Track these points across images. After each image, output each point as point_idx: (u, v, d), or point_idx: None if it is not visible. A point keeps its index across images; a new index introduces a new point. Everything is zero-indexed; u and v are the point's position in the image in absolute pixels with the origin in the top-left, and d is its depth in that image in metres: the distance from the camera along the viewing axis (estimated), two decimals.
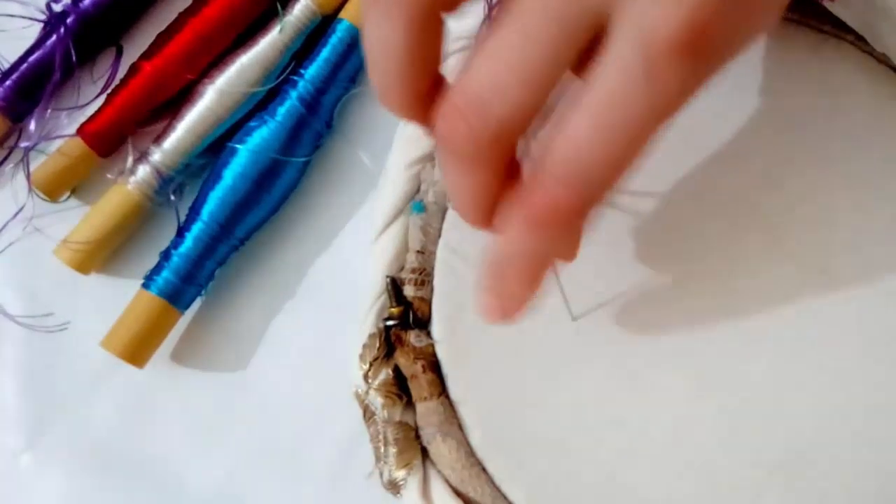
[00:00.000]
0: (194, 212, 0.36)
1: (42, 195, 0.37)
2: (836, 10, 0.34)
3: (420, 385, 0.33)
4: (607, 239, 0.34)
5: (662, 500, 0.31)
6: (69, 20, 0.38)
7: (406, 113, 0.24)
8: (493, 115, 0.21)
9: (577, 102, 0.20)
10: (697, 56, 0.20)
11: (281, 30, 0.37)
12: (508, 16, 0.20)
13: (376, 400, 0.33)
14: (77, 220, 0.36)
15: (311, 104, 0.37)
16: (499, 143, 0.21)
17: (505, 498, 0.32)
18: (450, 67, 0.35)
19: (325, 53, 0.37)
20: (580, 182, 0.21)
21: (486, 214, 0.24)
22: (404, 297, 0.34)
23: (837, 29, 0.34)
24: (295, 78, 0.37)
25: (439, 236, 0.34)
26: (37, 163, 0.37)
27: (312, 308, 0.37)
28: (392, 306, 0.34)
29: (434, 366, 0.33)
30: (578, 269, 0.33)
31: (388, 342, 0.33)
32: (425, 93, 0.23)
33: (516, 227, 0.22)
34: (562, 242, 0.23)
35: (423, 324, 0.34)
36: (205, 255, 0.36)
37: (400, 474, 0.32)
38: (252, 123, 0.37)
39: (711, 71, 0.21)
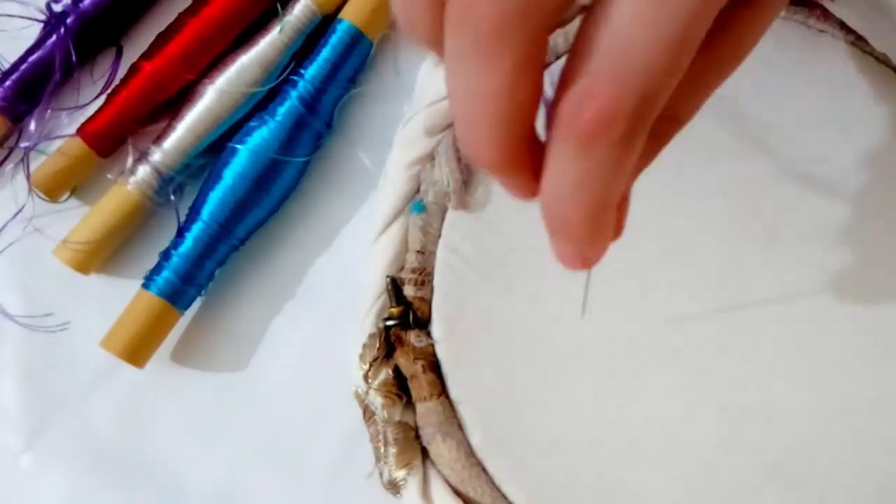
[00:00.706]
0: (194, 212, 0.36)
1: (42, 195, 0.37)
2: (837, 10, 0.34)
3: (420, 385, 0.33)
4: None
5: (662, 500, 0.31)
6: (69, 20, 0.38)
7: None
8: None
9: None
10: None
11: (281, 30, 0.37)
12: None
13: (376, 400, 0.33)
14: (77, 220, 0.36)
15: (311, 104, 0.37)
16: (526, 22, 0.17)
17: (505, 498, 0.32)
18: None
19: (325, 53, 0.37)
20: (632, 78, 0.17)
21: (511, 139, 0.19)
22: (404, 297, 0.34)
23: (837, 29, 0.34)
24: (295, 78, 0.37)
25: (439, 236, 0.34)
26: (37, 163, 0.37)
27: (312, 308, 0.37)
28: (392, 306, 0.34)
29: (434, 366, 0.33)
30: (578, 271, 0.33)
31: (388, 342, 0.33)
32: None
33: (559, 152, 0.18)
34: (619, 166, 0.18)
35: (423, 324, 0.34)
36: (205, 255, 0.36)
37: (400, 474, 0.32)
38: (252, 123, 0.37)
39: None
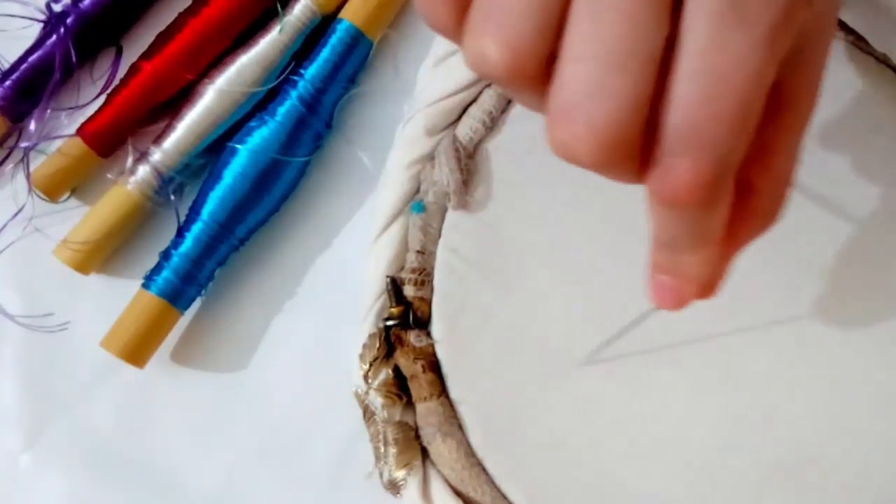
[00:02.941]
0: (194, 212, 0.36)
1: (42, 195, 0.37)
2: None
3: (420, 385, 0.33)
4: (607, 239, 0.34)
5: (662, 500, 0.31)
6: (69, 20, 0.38)
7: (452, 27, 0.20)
8: None
9: (670, 65, 0.18)
10: None
11: (281, 30, 0.37)
12: None
13: (376, 400, 0.33)
14: (77, 220, 0.36)
15: (311, 104, 0.37)
16: None
17: (505, 498, 0.32)
18: (450, 67, 0.35)
19: (325, 53, 0.37)
20: (702, 151, 0.18)
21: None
22: (404, 297, 0.34)
23: (838, 29, 0.34)
24: (295, 78, 0.37)
25: (439, 236, 0.34)
26: (37, 163, 0.37)
27: (312, 308, 0.37)
28: (392, 306, 0.34)
29: (434, 366, 0.33)
30: (577, 269, 0.33)
31: (388, 342, 0.33)
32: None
33: (654, 211, 0.21)
34: (709, 219, 0.20)
35: (423, 324, 0.34)
36: (205, 255, 0.36)
37: (400, 474, 0.32)
38: (252, 123, 0.37)
39: None
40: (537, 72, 0.19)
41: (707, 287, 0.25)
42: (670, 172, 0.19)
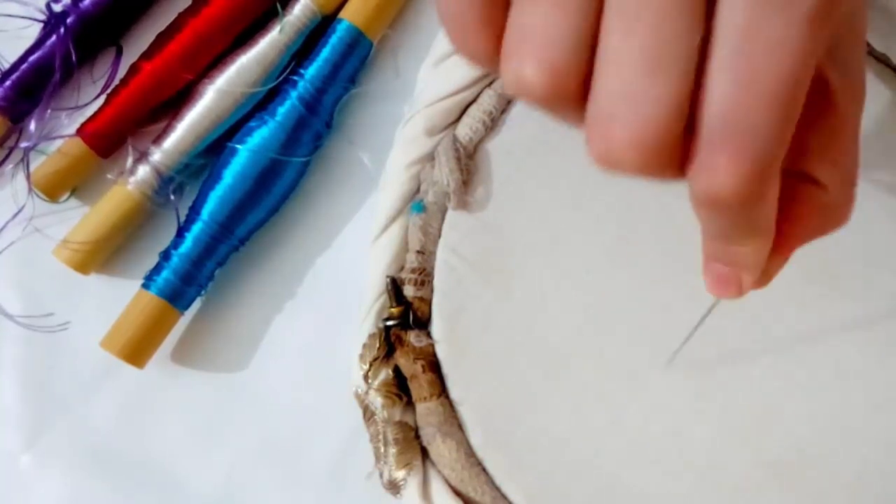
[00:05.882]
0: (194, 212, 0.36)
1: (42, 195, 0.37)
2: None
3: (420, 385, 0.33)
4: (607, 239, 0.34)
5: (662, 500, 0.31)
6: (69, 20, 0.38)
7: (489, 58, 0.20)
8: None
9: (707, 56, 0.18)
10: None
11: (281, 30, 0.37)
12: None
13: (376, 400, 0.33)
14: (77, 220, 0.36)
15: (311, 104, 0.37)
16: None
17: (505, 498, 0.32)
18: (450, 67, 0.35)
19: (325, 53, 0.37)
20: (739, 145, 0.17)
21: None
22: (404, 297, 0.34)
23: None
24: (295, 78, 0.37)
25: (439, 236, 0.34)
26: (37, 163, 0.37)
27: (312, 308, 0.37)
28: (392, 306, 0.34)
29: (434, 366, 0.33)
30: (577, 269, 0.33)
31: (388, 342, 0.33)
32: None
33: (700, 214, 0.20)
34: (757, 212, 0.20)
35: (423, 324, 0.34)
36: (205, 255, 0.36)
37: (400, 474, 0.32)
38: (252, 123, 0.37)
39: None
40: (577, 89, 0.18)
41: (764, 276, 0.24)
42: (709, 171, 0.18)
